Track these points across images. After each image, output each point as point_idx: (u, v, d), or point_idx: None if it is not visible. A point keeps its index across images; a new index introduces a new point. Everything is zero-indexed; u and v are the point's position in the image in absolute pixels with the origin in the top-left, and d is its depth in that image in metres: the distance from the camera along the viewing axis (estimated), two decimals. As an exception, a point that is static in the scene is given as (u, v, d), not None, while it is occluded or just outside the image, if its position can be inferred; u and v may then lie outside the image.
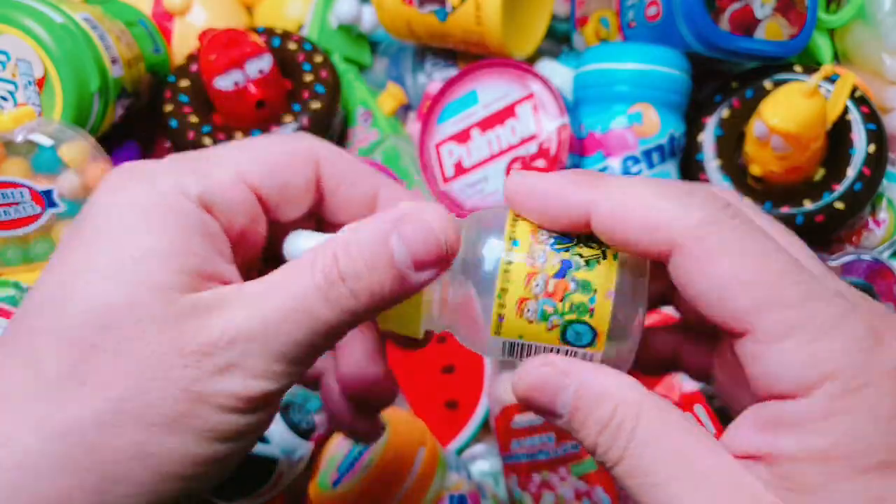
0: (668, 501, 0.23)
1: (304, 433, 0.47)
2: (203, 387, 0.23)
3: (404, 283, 0.24)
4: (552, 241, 0.25)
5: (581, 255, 0.25)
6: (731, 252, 0.23)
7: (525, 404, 0.26)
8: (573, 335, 0.25)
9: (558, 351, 0.26)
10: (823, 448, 0.22)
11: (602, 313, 0.25)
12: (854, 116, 0.52)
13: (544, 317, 0.25)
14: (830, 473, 0.21)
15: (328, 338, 0.24)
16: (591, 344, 0.25)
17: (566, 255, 0.25)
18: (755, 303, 0.22)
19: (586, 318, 0.25)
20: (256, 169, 0.27)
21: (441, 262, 0.24)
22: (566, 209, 0.25)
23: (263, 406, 0.24)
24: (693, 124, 0.56)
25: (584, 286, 0.25)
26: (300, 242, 0.27)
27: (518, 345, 0.26)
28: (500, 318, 0.25)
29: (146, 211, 0.24)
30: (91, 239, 0.24)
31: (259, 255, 0.30)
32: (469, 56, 0.62)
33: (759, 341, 0.22)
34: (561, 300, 0.25)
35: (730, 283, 0.22)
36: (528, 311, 0.25)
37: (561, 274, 0.25)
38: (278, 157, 0.28)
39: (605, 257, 0.25)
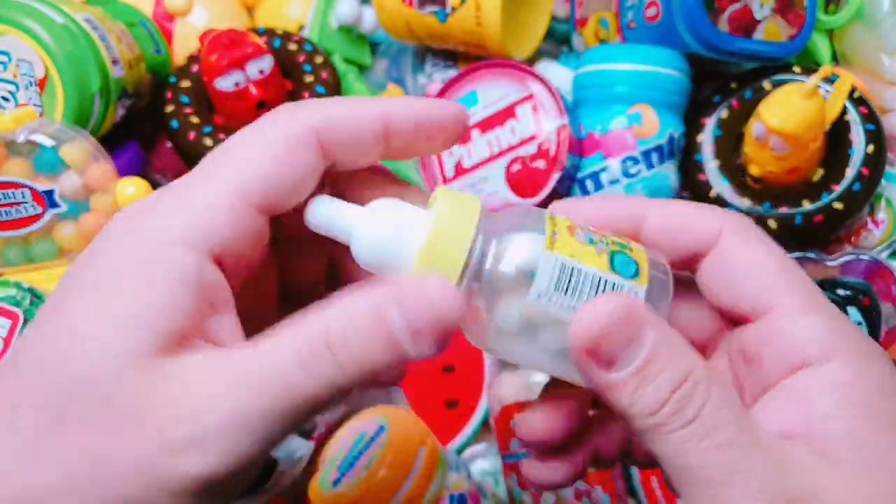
0: (728, 465, 0.23)
1: (305, 433, 0.47)
2: (159, 466, 0.21)
3: (397, 353, 0.23)
4: (586, 232, 0.27)
5: (613, 242, 0.27)
6: (760, 246, 0.27)
7: (586, 346, 0.24)
8: (620, 263, 0.25)
9: (607, 283, 0.25)
10: (863, 402, 0.24)
11: (641, 255, 0.26)
12: (853, 117, 0.52)
13: (592, 242, 0.26)
14: (872, 428, 0.24)
15: (309, 412, 0.23)
16: (636, 276, 0.26)
17: (599, 244, 0.26)
18: (784, 282, 0.26)
19: (628, 251, 0.26)
20: (324, 126, 0.26)
21: (442, 333, 0.23)
22: (617, 217, 0.28)
23: (226, 487, 0.23)
24: (692, 125, 0.57)
25: (618, 240, 0.26)
26: (322, 209, 0.26)
27: (571, 265, 0.25)
28: (554, 234, 0.25)
29: (135, 267, 0.23)
30: (77, 296, 0.24)
31: (277, 276, 0.30)
32: (469, 57, 0.62)
33: (784, 315, 0.25)
34: (604, 237, 0.26)
35: (762, 267, 0.26)
36: (578, 235, 0.26)
37: (596, 246, 0.26)
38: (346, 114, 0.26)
39: (634, 247, 0.27)
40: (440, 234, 0.25)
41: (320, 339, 0.23)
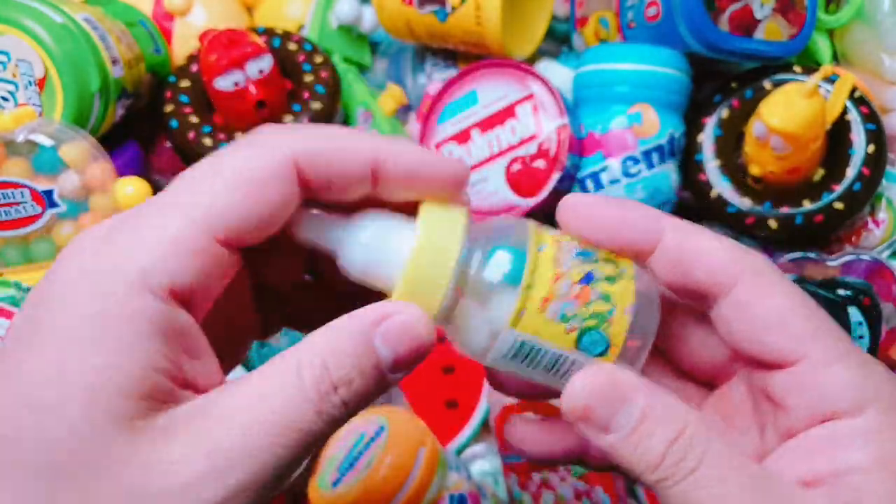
0: None
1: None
2: None
3: (382, 384, 0.24)
4: (575, 252, 0.26)
5: (603, 271, 0.26)
6: (783, 290, 0.25)
7: (576, 418, 0.25)
8: (589, 342, 0.25)
9: (567, 362, 0.26)
10: (888, 457, 0.23)
11: (619, 328, 0.25)
12: (853, 117, 0.52)
13: (564, 318, 0.25)
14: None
15: (309, 451, 0.23)
16: (603, 354, 0.26)
17: (590, 267, 0.26)
18: (811, 331, 0.25)
19: (604, 327, 0.25)
20: (305, 154, 0.24)
21: (418, 361, 0.24)
22: (632, 229, 0.26)
23: None
24: (692, 125, 0.56)
25: (605, 297, 0.25)
26: (309, 226, 0.26)
27: (530, 345, 0.26)
28: (522, 312, 0.25)
29: (96, 320, 0.21)
30: (35, 354, 0.21)
31: (250, 296, 0.29)
32: (469, 56, 0.62)
33: (814, 365, 0.25)
34: (584, 305, 0.25)
35: (788, 315, 0.25)
36: (550, 310, 0.25)
37: (585, 281, 0.25)
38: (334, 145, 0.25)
39: (623, 277, 0.26)
40: (424, 252, 0.25)
41: (327, 382, 0.22)
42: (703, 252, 0.26)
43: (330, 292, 0.31)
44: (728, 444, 0.24)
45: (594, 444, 0.25)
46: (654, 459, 0.24)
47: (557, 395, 0.28)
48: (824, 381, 0.24)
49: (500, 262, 0.26)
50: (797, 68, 0.55)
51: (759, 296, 0.25)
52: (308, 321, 0.27)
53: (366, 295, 0.26)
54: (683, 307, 0.29)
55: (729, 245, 0.26)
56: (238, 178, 0.23)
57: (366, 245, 0.26)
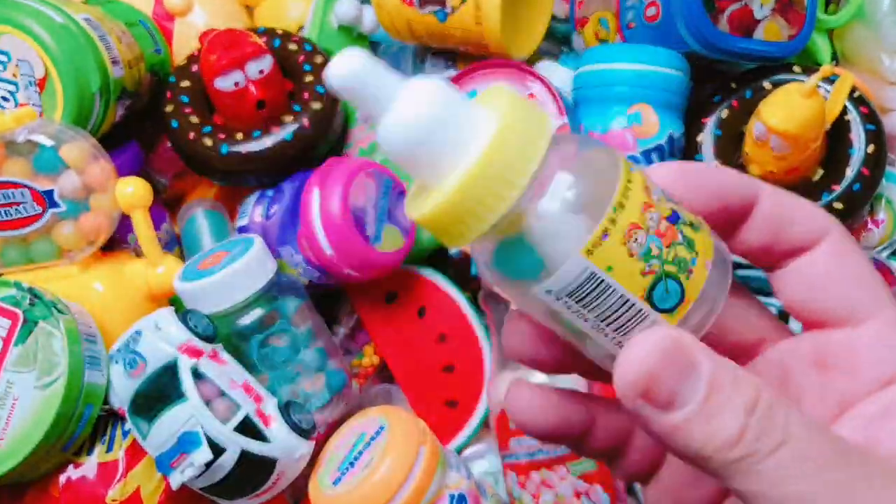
0: (836, 487, 0.20)
1: (305, 433, 0.47)
2: None
3: None
4: (659, 189, 0.23)
5: (687, 215, 0.23)
6: (864, 256, 0.25)
7: (635, 393, 0.21)
8: (662, 292, 0.22)
9: (633, 310, 0.22)
10: None
11: (698, 279, 0.22)
12: (853, 117, 0.52)
13: (647, 256, 0.21)
14: None
15: None
16: (670, 311, 0.22)
17: (676, 207, 0.22)
18: (885, 291, 0.24)
19: (683, 277, 0.22)
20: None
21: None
22: (730, 192, 0.25)
23: None
24: (692, 125, 0.56)
25: (690, 244, 0.22)
26: (356, 64, 0.21)
27: (597, 279, 0.21)
28: (605, 234, 0.21)
29: None
30: None
31: None
32: (469, 57, 0.62)
33: (889, 324, 0.24)
34: (668, 246, 0.22)
35: (867, 272, 0.24)
36: (636, 241, 0.21)
37: (672, 220, 0.22)
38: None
39: (703, 227, 0.23)
40: (506, 139, 0.21)
41: None
42: (799, 208, 0.25)
43: None
44: (806, 414, 0.21)
45: (653, 429, 0.21)
46: (733, 435, 0.20)
47: (581, 368, 0.25)
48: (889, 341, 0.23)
49: (591, 166, 0.22)
50: (797, 68, 0.55)
51: (844, 252, 0.25)
52: None
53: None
54: None
55: (815, 206, 0.26)
56: None
57: (427, 110, 0.21)
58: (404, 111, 0.21)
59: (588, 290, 0.21)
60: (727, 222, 0.25)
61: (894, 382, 0.23)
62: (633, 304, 0.22)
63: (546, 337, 0.26)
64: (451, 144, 0.21)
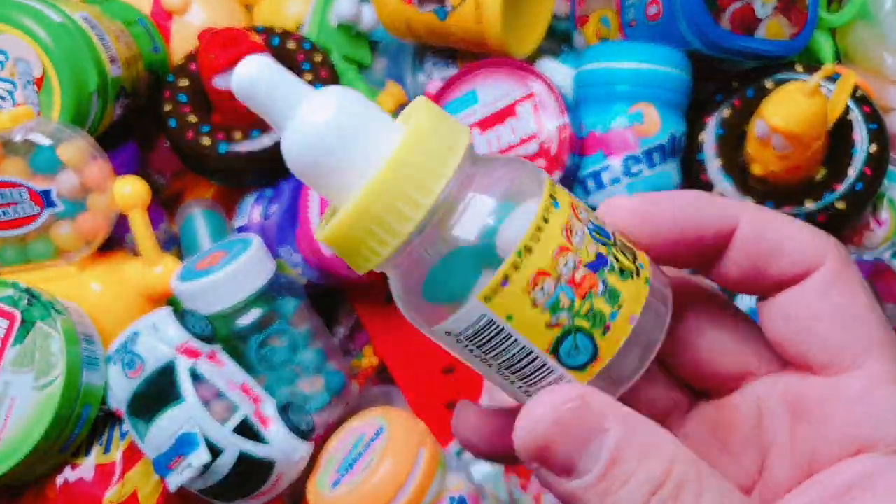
0: None
1: (304, 434, 0.46)
2: None
3: None
4: (591, 225, 0.20)
5: (618, 260, 0.20)
6: (860, 291, 0.22)
7: (529, 457, 0.19)
8: (570, 347, 0.20)
9: (536, 362, 0.20)
10: None
11: (616, 336, 0.20)
12: (855, 116, 0.52)
13: (554, 308, 0.19)
14: None
15: None
16: (580, 369, 0.20)
17: (604, 250, 0.20)
18: (879, 339, 0.21)
19: (597, 332, 0.20)
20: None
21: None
22: (703, 218, 0.22)
23: None
24: (694, 124, 0.56)
25: (612, 296, 0.20)
26: (263, 72, 0.20)
27: (497, 329, 0.19)
28: (506, 281, 0.19)
29: None
30: None
31: None
32: (469, 55, 0.62)
33: (874, 379, 0.21)
34: (583, 298, 0.19)
35: (862, 313, 0.22)
36: (542, 290, 0.19)
37: (594, 267, 0.20)
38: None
39: (638, 275, 0.21)
40: (411, 152, 0.19)
41: None
42: (788, 237, 0.22)
43: None
44: (728, 490, 0.19)
45: (551, 490, 0.20)
46: None
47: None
48: (882, 399, 0.21)
49: (503, 197, 0.20)
50: (799, 67, 0.54)
51: (838, 287, 0.22)
52: None
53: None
54: (701, 304, 0.24)
55: (811, 231, 0.23)
56: None
57: (327, 123, 0.19)
58: (305, 122, 0.19)
59: (488, 338, 0.20)
60: (701, 254, 0.23)
61: (867, 450, 0.20)
62: (537, 357, 0.20)
63: (497, 425, 0.24)
64: (354, 161, 0.19)
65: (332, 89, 0.20)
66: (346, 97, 0.20)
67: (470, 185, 0.20)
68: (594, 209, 0.22)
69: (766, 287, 0.23)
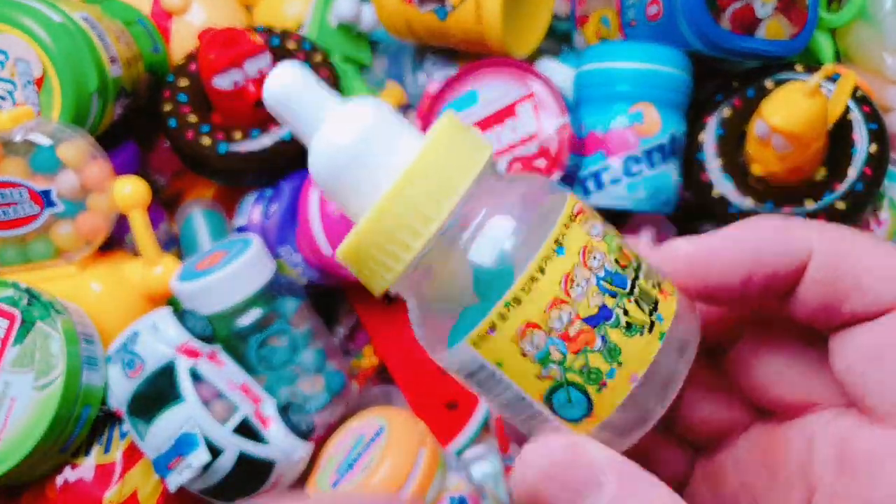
0: None
1: (304, 434, 0.46)
2: None
3: None
4: (603, 273, 0.19)
5: (626, 312, 0.19)
6: None
7: (526, 501, 0.19)
8: (563, 400, 0.19)
9: (532, 408, 0.19)
10: None
11: (613, 394, 0.19)
12: (855, 116, 0.52)
13: (545, 360, 0.19)
14: None
15: None
16: (575, 422, 0.19)
17: (611, 302, 0.19)
18: None
19: (592, 388, 0.19)
20: None
21: None
22: (767, 264, 0.20)
23: None
24: (694, 124, 0.56)
25: (611, 352, 0.19)
26: (296, 81, 0.20)
27: (489, 372, 0.19)
28: (492, 329, 0.18)
29: None
30: None
31: None
32: (469, 55, 0.62)
33: None
34: (576, 353, 0.19)
35: None
36: (531, 342, 0.19)
37: (594, 321, 0.19)
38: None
39: (651, 331, 0.19)
40: (426, 165, 0.18)
41: None
42: (865, 271, 0.20)
43: None
44: None
45: None
46: None
47: None
48: None
49: (493, 245, 0.19)
50: (799, 67, 0.54)
51: None
52: None
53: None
54: (772, 327, 0.23)
55: (891, 262, 0.20)
56: None
57: (346, 147, 0.19)
58: (330, 135, 0.19)
59: (482, 378, 0.19)
60: (767, 299, 0.21)
61: None
62: (531, 404, 0.19)
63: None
64: (375, 176, 0.19)
65: (359, 104, 0.20)
66: (370, 115, 0.19)
67: (479, 211, 0.19)
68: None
69: (837, 326, 0.21)
